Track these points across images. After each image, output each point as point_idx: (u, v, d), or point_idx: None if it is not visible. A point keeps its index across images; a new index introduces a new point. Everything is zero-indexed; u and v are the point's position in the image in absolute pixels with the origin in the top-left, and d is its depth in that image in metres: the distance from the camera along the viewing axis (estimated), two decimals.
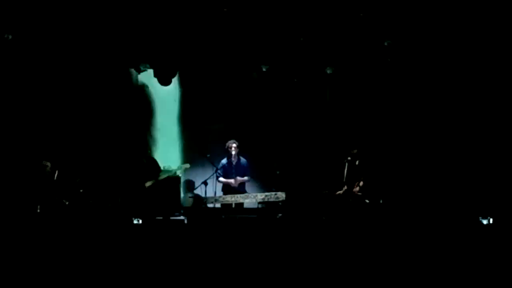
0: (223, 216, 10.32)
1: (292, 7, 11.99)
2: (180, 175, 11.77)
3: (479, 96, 12.18)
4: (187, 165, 11.58)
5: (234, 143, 11.51)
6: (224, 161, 11.57)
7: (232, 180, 11.40)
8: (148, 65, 12.75)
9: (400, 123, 12.68)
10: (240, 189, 11.52)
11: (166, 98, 13.11)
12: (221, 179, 11.47)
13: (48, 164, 10.87)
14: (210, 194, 11.23)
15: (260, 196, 11.18)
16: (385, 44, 12.21)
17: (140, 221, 10.34)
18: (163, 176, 11.41)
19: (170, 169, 11.65)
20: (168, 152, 12.67)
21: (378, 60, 12.58)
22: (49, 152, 11.13)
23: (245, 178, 11.60)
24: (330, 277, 7.48)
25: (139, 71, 12.75)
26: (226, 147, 11.60)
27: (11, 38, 11.64)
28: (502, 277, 7.29)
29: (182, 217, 11.14)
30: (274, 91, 13.15)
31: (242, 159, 11.56)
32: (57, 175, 10.98)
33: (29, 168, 10.95)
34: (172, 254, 7.86)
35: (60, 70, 12.34)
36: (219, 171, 11.41)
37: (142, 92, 13.02)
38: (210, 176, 11.27)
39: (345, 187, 11.29)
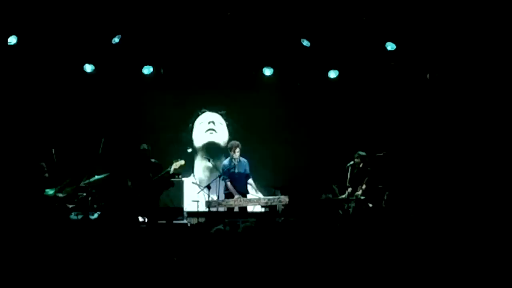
0: (226, 220, 10.31)
1: (295, 11, 12.03)
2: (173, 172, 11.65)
3: (483, 99, 12.17)
4: (182, 162, 11.39)
5: (238, 145, 11.50)
6: (226, 162, 11.55)
7: (236, 196, 11.33)
8: (152, 67, 12.80)
9: (404, 127, 12.69)
10: (242, 190, 11.51)
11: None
12: (229, 184, 11.40)
13: (44, 164, 10.89)
14: (213, 198, 11.26)
15: (263, 200, 11.18)
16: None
17: (146, 219, 10.34)
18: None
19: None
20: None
21: (382, 64, 12.59)
22: (49, 155, 11.15)
23: (250, 187, 11.59)
24: (332, 281, 7.47)
25: (142, 74, 12.81)
26: (228, 147, 11.59)
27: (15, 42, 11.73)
28: (503, 280, 7.26)
29: (185, 221, 11.17)
30: (278, 94, 13.17)
31: (243, 160, 11.57)
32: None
33: (27, 170, 10.98)
34: (173, 257, 7.86)
35: (58, 72, 12.42)
36: (224, 175, 11.39)
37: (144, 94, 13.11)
38: (213, 180, 11.26)
39: (348, 191, 11.30)
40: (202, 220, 10.49)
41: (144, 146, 11.22)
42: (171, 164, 11.16)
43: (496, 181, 11.70)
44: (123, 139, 12.69)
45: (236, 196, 11.25)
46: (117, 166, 11.76)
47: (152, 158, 11.22)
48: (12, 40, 11.82)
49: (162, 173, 11.14)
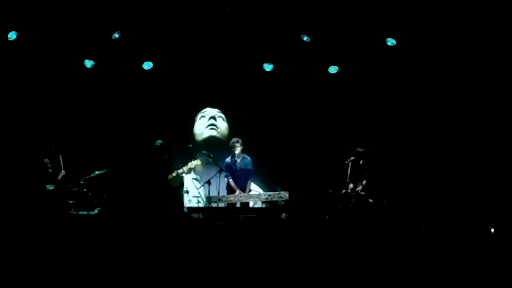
0: (226, 216, 10.33)
1: (295, 6, 12.01)
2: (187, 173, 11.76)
3: (483, 95, 12.17)
4: (198, 162, 11.52)
5: (238, 141, 11.50)
6: (228, 159, 11.56)
7: (237, 191, 11.36)
8: (151, 63, 12.80)
9: (404, 122, 12.68)
10: (244, 186, 11.52)
11: None
12: (231, 181, 11.42)
13: (47, 161, 10.89)
14: (213, 193, 11.25)
15: (264, 196, 11.18)
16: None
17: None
18: (174, 174, 11.49)
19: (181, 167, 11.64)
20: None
21: (383, 60, 12.58)
22: (52, 151, 11.15)
23: (248, 182, 11.59)
24: (333, 277, 7.48)
25: (143, 69, 12.80)
26: (230, 145, 11.60)
27: (15, 38, 11.72)
28: (503, 278, 7.27)
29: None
30: (278, 90, 13.16)
31: (247, 157, 11.57)
32: (63, 176, 11.04)
33: (31, 167, 10.99)
34: (175, 253, 7.86)
35: (58, 68, 12.40)
36: (226, 171, 11.40)
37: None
38: (214, 176, 11.26)
39: (349, 187, 11.31)
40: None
41: (160, 142, 11.28)
42: (185, 163, 11.29)
43: (497, 179, 11.71)
44: (123, 134, 12.71)
45: (237, 192, 11.26)
46: (120, 162, 11.82)
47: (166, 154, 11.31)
48: (12, 35, 11.79)
49: (177, 173, 11.26)
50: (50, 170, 10.87)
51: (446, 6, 11.77)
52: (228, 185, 11.49)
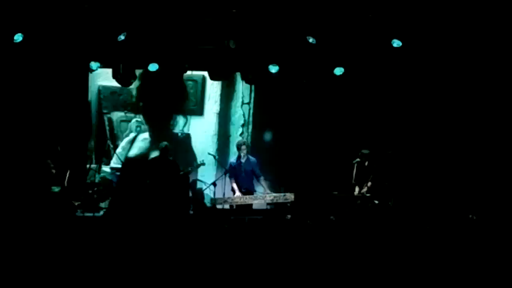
0: (232, 217, 10.34)
1: (301, 7, 12.01)
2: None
3: (490, 97, 12.14)
4: (203, 165, 11.63)
5: (244, 143, 11.54)
6: (233, 160, 11.59)
7: (239, 194, 11.36)
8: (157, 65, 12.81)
9: (409, 124, 12.67)
10: (248, 187, 11.52)
11: None
12: (234, 185, 11.44)
13: (50, 161, 10.92)
14: (219, 195, 11.25)
15: (269, 197, 11.17)
16: None
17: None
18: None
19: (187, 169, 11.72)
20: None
21: (387, 62, 12.56)
22: (57, 153, 11.17)
23: (265, 182, 11.59)
24: (337, 278, 7.48)
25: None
26: (236, 146, 11.63)
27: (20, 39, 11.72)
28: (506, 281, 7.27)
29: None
30: (284, 92, 13.16)
31: (252, 158, 11.58)
32: (68, 176, 11.06)
33: (34, 168, 11.01)
34: (181, 254, 7.88)
35: (63, 70, 12.42)
36: (229, 172, 11.42)
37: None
38: (219, 177, 11.28)
39: (355, 188, 11.30)
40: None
41: (165, 143, 11.42)
42: (192, 166, 11.39)
43: (502, 180, 11.67)
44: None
45: (237, 193, 11.26)
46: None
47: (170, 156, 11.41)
48: (18, 38, 11.80)
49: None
50: (54, 171, 10.88)
51: (452, 6, 11.75)
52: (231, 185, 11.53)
